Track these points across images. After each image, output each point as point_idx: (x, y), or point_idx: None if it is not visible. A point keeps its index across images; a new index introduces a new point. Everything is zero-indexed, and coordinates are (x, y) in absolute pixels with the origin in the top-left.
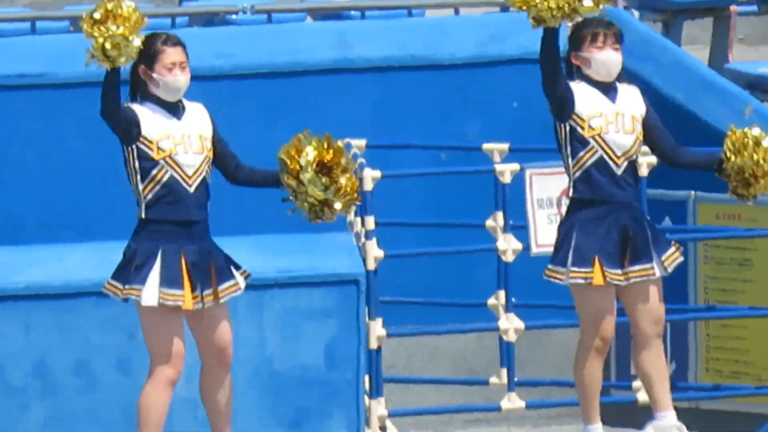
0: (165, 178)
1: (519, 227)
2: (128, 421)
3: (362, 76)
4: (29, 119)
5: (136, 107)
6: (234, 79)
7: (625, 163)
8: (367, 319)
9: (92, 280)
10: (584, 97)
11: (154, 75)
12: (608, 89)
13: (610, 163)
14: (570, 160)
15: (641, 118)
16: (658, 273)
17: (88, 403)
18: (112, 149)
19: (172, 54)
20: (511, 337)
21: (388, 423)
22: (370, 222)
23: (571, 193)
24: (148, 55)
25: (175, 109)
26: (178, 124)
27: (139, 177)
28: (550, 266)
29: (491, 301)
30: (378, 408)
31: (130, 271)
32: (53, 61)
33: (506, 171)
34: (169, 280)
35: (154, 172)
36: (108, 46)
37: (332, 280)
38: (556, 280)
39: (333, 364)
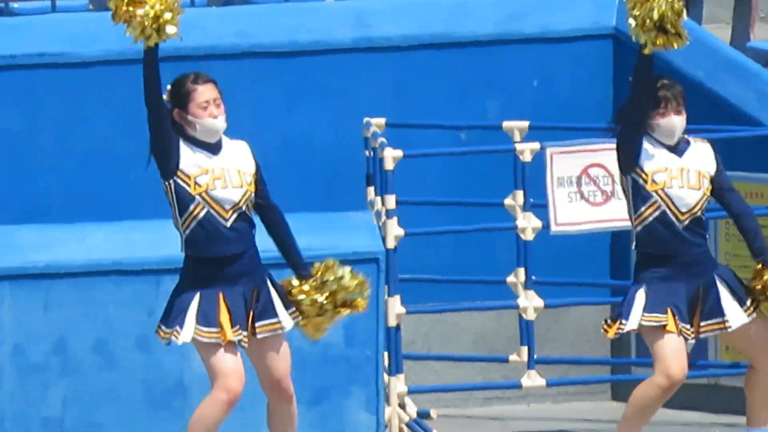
0: (201, 215)
1: (539, 206)
2: (148, 398)
3: (382, 55)
4: (50, 98)
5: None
6: (253, 58)
7: (689, 219)
8: (386, 297)
9: (113, 259)
10: (649, 152)
11: (189, 117)
12: (676, 144)
13: (673, 218)
14: (632, 212)
15: (709, 176)
16: (734, 325)
17: (108, 382)
18: (134, 129)
19: (204, 92)
20: (531, 315)
21: (408, 400)
22: (391, 201)
23: (633, 246)
24: (180, 96)
25: (213, 147)
26: (216, 158)
27: (177, 212)
28: (611, 320)
29: (511, 279)
30: (397, 385)
31: (171, 314)
32: (73, 40)
33: (526, 149)
34: (205, 319)
35: (191, 207)
36: (147, 21)
37: (352, 259)
38: (620, 330)
39: (352, 342)
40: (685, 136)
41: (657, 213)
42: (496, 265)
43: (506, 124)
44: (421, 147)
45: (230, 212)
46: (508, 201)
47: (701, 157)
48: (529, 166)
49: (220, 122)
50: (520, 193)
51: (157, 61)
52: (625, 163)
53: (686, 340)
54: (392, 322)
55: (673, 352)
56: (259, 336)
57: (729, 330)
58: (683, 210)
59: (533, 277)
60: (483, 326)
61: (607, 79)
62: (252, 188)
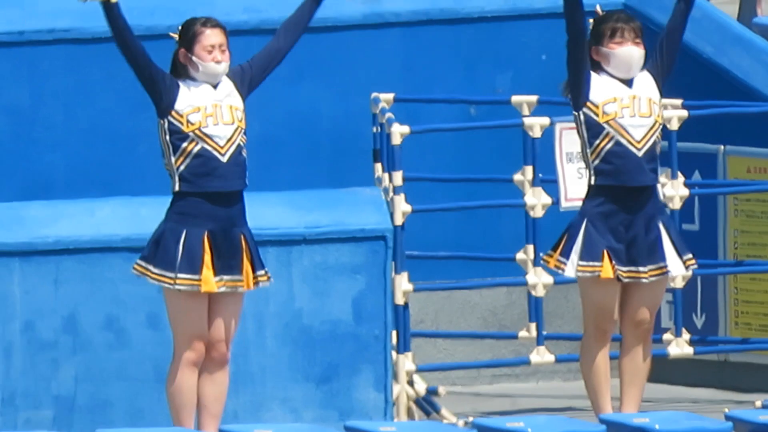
0: (195, 150)
1: (548, 181)
2: (158, 375)
3: (391, 31)
4: (58, 74)
5: (179, 82)
6: (262, 34)
7: (646, 147)
8: (393, 274)
9: (122, 235)
10: (599, 85)
11: (194, 58)
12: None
13: (630, 147)
14: (587, 148)
15: (659, 101)
16: (674, 272)
17: (118, 359)
18: (141, 105)
19: (211, 36)
20: (540, 291)
21: (416, 378)
22: (398, 177)
23: (592, 181)
24: (187, 38)
25: (212, 84)
26: (212, 93)
27: (170, 150)
28: (552, 254)
29: (520, 255)
30: (406, 363)
31: (157, 253)
32: (81, 16)
33: (535, 125)
34: (189, 264)
35: (185, 144)
36: None
37: (360, 236)
38: (559, 270)
39: (361, 320)
40: None
41: (611, 144)
42: (504, 241)
43: (515, 98)
44: (429, 122)
45: (226, 147)
46: (517, 177)
47: (648, 83)
48: (539, 141)
49: (222, 67)
50: (529, 169)
51: (117, 17)
52: (575, 99)
53: (619, 280)
54: (400, 299)
55: (602, 306)
56: (259, 285)
57: (668, 275)
58: (637, 138)
59: (541, 255)
60: (492, 303)
61: None
62: (243, 124)
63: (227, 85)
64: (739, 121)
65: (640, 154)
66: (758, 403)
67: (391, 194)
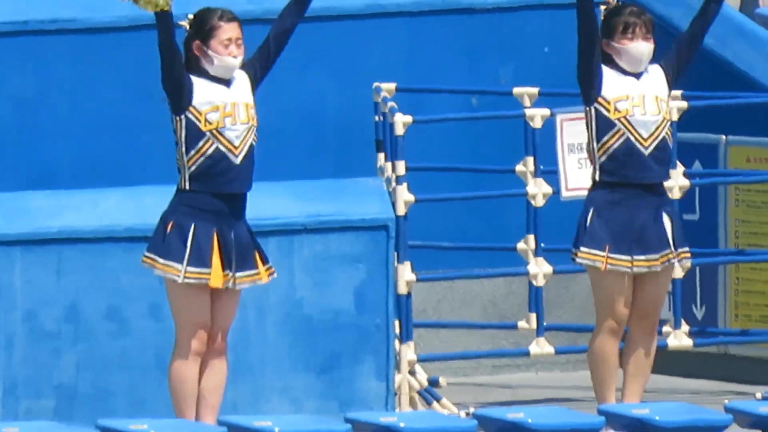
0: (210, 150)
1: (549, 172)
2: (160, 365)
3: (394, 21)
4: (62, 64)
5: (191, 76)
6: (266, 23)
7: (654, 144)
8: (396, 264)
9: (125, 225)
10: (610, 80)
11: (209, 52)
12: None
13: (638, 145)
14: (595, 143)
15: (666, 97)
16: (668, 263)
17: (120, 348)
18: (145, 95)
19: (228, 30)
20: (540, 281)
21: (418, 368)
22: (401, 167)
23: (597, 177)
24: (203, 30)
25: (225, 80)
26: (227, 92)
27: (184, 148)
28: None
29: (521, 245)
30: (407, 353)
31: (163, 244)
32: (86, 6)
33: (537, 116)
34: (197, 257)
35: (200, 143)
36: None
37: (362, 225)
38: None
39: (363, 309)
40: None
41: (620, 141)
42: (506, 231)
43: (516, 90)
44: (432, 112)
45: (240, 147)
46: (519, 167)
47: (656, 79)
48: (540, 132)
49: (238, 62)
50: (530, 160)
51: (170, 25)
52: (587, 93)
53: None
54: (402, 289)
55: (614, 297)
56: (238, 287)
57: (673, 265)
58: (645, 135)
59: (542, 245)
60: (493, 293)
61: None
62: (255, 122)
63: (241, 81)
64: (740, 112)
65: (647, 152)
66: (759, 395)
67: (393, 184)
